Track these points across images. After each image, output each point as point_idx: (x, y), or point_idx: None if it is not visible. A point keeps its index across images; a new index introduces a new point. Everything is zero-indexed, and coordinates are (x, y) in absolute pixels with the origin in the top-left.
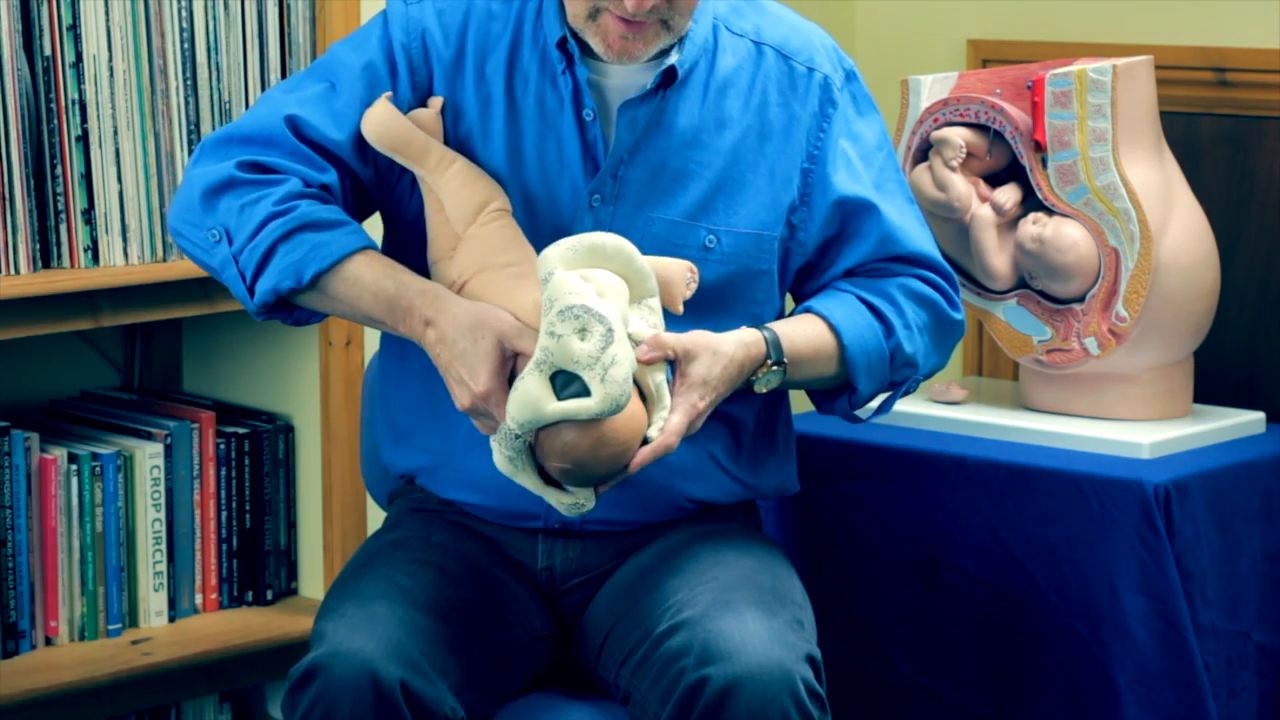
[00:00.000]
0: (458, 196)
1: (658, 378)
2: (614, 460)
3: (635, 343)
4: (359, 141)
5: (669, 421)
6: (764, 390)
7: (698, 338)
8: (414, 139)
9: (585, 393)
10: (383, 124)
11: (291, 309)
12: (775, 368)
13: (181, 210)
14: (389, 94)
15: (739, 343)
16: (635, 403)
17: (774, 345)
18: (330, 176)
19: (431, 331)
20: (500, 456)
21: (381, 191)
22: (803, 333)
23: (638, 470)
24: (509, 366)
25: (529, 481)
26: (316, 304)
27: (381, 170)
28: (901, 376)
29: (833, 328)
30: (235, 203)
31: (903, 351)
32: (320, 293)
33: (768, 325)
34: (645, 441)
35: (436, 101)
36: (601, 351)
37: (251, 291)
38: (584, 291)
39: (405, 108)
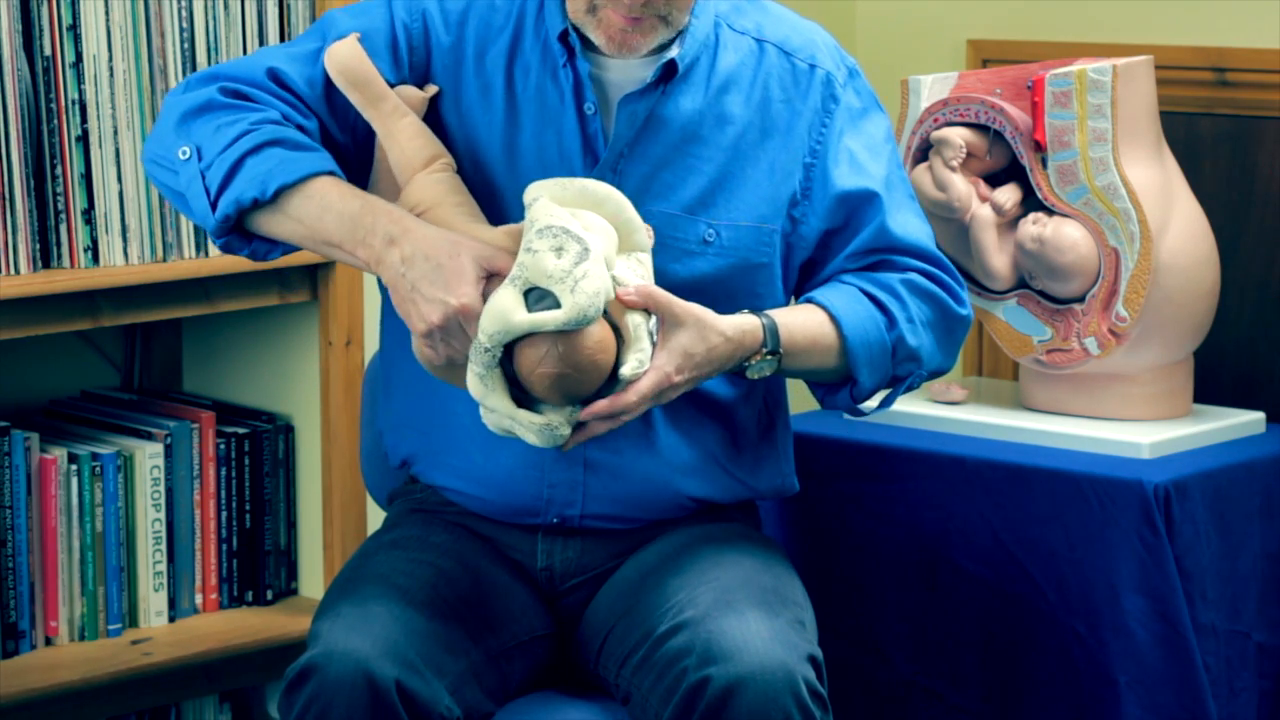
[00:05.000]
0: (410, 145)
1: (636, 319)
2: (589, 373)
3: (619, 286)
4: (338, 103)
5: (635, 385)
6: (755, 377)
7: (692, 309)
8: (373, 81)
9: (557, 308)
10: (345, 58)
11: (250, 238)
12: (769, 356)
13: (157, 135)
14: (358, 34)
15: (735, 327)
16: (608, 328)
17: (771, 333)
18: (311, 123)
19: (395, 251)
20: (471, 376)
21: (360, 158)
22: (802, 322)
23: (590, 418)
24: (483, 285)
25: (499, 402)
26: (276, 226)
27: (359, 141)
28: (905, 371)
29: (834, 318)
30: (211, 123)
31: (905, 344)
32: (281, 212)
33: (768, 312)
34: (615, 377)
35: (431, 89)
36: (574, 267)
37: (214, 206)
38: (565, 215)
39: (395, 84)
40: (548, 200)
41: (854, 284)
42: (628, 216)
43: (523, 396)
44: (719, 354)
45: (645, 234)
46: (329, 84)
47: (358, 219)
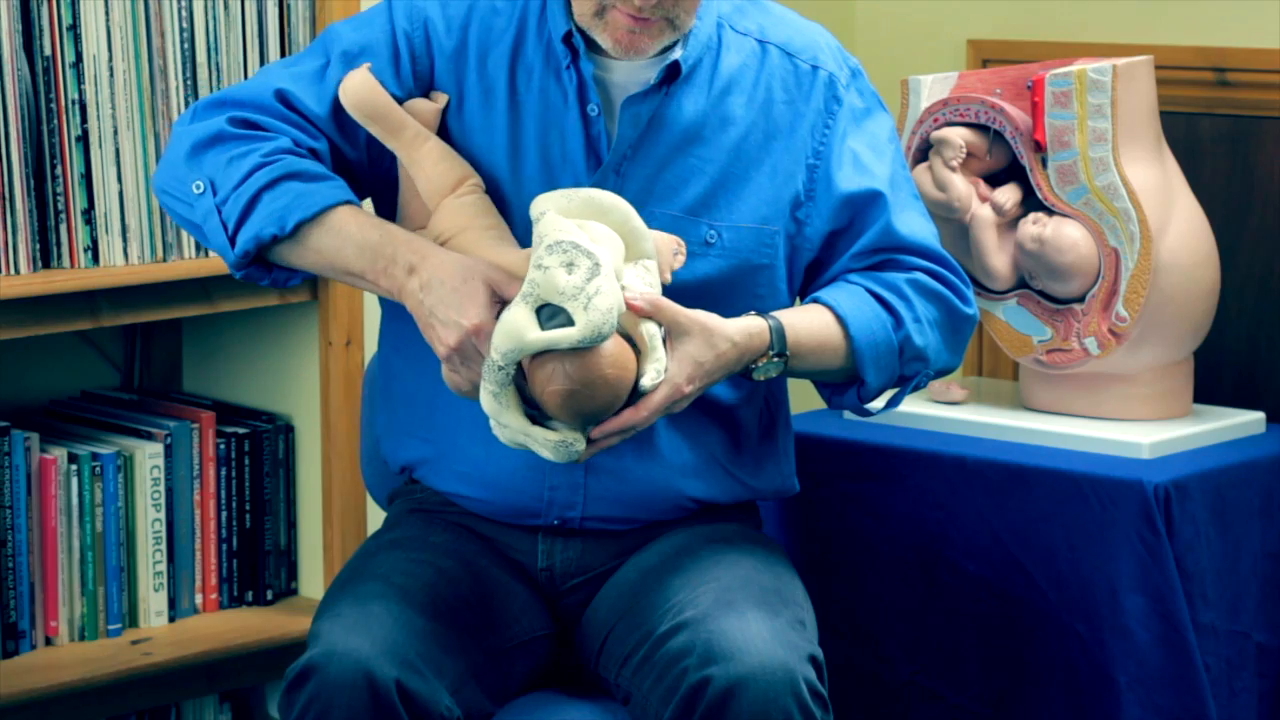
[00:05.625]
0: (435, 170)
1: (650, 328)
2: (600, 390)
3: (629, 295)
4: (347, 122)
5: (646, 399)
6: (761, 379)
7: (698, 317)
8: (391, 111)
9: (570, 325)
10: (360, 92)
11: (270, 267)
12: (776, 359)
13: (167, 167)
14: (369, 65)
15: (741, 331)
16: (623, 343)
17: (778, 335)
18: (321, 145)
19: (415, 279)
20: (485, 394)
21: (374, 172)
22: (808, 324)
23: (601, 436)
24: (497, 309)
25: (513, 419)
26: (296, 258)
27: (373, 156)
28: (912, 370)
29: (840, 319)
30: (223, 156)
31: (912, 344)
32: (301, 245)
33: (774, 314)
34: (636, 388)
35: (441, 97)
36: (586, 283)
37: (233, 241)
38: (574, 229)
39: (405, 96)
40: (555, 214)
41: (860, 284)
42: (634, 225)
43: (537, 413)
44: (727, 360)
45: (651, 242)
46: (337, 103)
47: (378, 249)
